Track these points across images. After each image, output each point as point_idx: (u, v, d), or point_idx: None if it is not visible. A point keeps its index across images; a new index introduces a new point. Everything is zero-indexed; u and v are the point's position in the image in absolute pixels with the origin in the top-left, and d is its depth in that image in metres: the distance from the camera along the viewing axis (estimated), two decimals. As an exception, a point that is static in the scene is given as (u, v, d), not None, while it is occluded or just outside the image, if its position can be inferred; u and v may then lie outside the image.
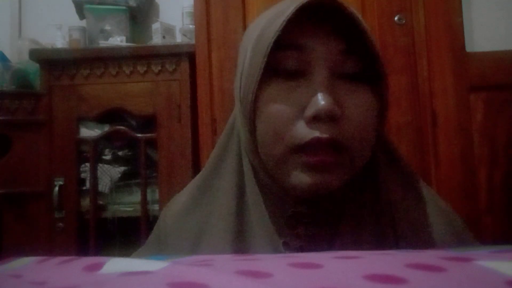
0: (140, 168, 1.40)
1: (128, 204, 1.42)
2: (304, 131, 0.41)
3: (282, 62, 0.43)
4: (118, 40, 1.53)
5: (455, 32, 1.27)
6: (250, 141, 0.46)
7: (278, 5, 0.45)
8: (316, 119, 0.40)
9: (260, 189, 0.48)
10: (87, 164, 1.42)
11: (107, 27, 1.57)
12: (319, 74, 0.42)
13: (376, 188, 0.48)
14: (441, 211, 0.50)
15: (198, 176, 0.54)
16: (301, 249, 0.45)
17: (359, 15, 0.43)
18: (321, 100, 0.40)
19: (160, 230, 0.55)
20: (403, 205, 0.48)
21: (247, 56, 0.45)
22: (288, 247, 0.46)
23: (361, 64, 0.44)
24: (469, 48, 1.28)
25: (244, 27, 1.31)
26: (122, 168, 1.44)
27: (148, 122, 1.42)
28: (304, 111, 0.41)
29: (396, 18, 1.27)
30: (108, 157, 1.45)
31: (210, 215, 0.50)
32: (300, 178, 0.42)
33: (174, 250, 0.51)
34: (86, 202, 1.40)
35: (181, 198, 0.54)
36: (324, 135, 0.40)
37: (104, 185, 1.41)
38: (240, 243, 0.48)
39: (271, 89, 0.43)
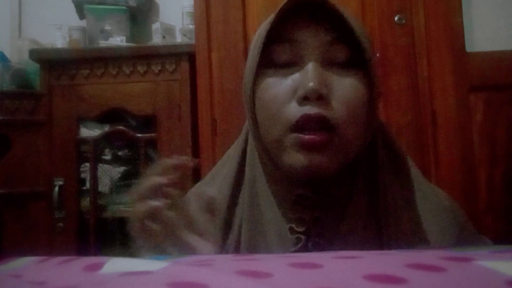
0: (140, 168, 1.40)
1: (128, 204, 1.42)
2: (295, 110, 0.46)
3: (277, 55, 0.48)
4: (118, 40, 1.52)
5: (455, 32, 1.27)
6: (252, 128, 0.51)
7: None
8: (306, 99, 0.45)
9: (267, 177, 0.52)
10: (87, 164, 1.42)
11: (107, 27, 1.57)
12: (309, 61, 0.47)
13: (375, 178, 0.51)
14: (441, 207, 0.53)
15: (226, 168, 0.58)
16: (307, 234, 0.48)
17: (342, 8, 0.47)
18: (309, 81, 0.45)
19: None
20: (398, 198, 0.51)
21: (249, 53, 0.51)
22: (294, 231, 0.49)
23: (351, 52, 0.48)
24: (469, 48, 1.28)
25: (244, 27, 1.31)
26: (122, 168, 1.44)
27: (148, 122, 1.42)
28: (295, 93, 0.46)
29: (396, 18, 1.27)
30: (108, 157, 1.45)
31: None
32: (295, 157, 0.46)
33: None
34: (86, 202, 1.40)
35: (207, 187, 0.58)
36: (313, 111, 0.45)
37: (104, 185, 1.41)
38: (253, 229, 0.52)
39: (267, 79, 0.48)
